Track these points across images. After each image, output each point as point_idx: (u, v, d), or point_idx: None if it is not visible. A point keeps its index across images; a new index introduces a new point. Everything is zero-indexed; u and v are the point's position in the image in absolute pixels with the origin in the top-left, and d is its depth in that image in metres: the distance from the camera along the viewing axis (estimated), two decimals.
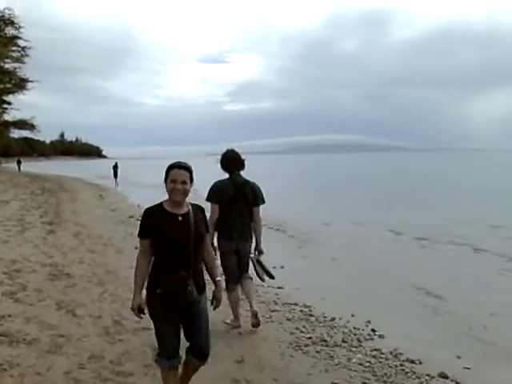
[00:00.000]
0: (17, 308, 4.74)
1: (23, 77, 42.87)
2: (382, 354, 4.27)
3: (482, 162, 75.57)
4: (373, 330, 4.96)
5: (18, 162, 49.25)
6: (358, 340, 4.62)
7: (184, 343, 2.78)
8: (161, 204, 2.68)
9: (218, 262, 4.23)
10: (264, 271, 4.67)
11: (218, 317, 4.28)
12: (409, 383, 3.71)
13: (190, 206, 2.70)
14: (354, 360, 4.05)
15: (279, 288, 6.45)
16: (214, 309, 2.84)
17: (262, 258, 4.65)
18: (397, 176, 40.95)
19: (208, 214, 3.27)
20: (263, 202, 4.62)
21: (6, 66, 41.28)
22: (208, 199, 4.43)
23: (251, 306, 4.56)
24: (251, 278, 4.69)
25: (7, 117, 46.46)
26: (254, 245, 4.65)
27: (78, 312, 4.77)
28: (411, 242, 11.05)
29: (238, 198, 4.45)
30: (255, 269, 4.66)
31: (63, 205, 15.44)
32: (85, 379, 3.35)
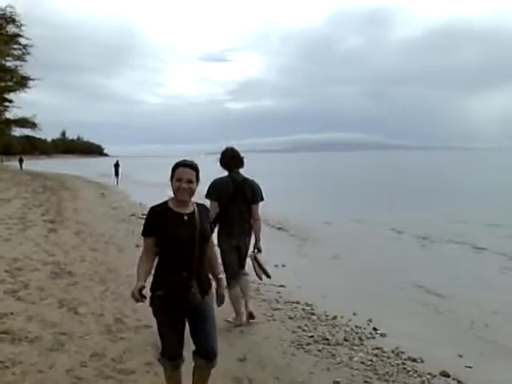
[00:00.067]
0: (19, 306, 4.74)
1: (25, 75, 42.84)
2: (384, 352, 4.28)
3: (482, 161, 75.46)
4: (374, 329, 4.96)
5: (20, 160, 49.33)
6: (360, 339, 4.62)
7: (190, 343, 2.74)
8: (166, 203, 2.64)
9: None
10: (261, 269, 4.69)
11: (219, 315, 4.27)
12: (410, 382, 3.71)
13: (195, 206, 2.67)
14: (355, 359, 4.05)
15: (281, 286, 6.46)
16: (218, 306, 2.82)
17: (260, 256, 4.66)
18: (398, 174, 40.93)
19: None
20: (262, 199, 4.64)
21: (8, 64, 41.25)
22: (207, 196, 4.44)
23: (247, 305, 4.67)
24: (248, 275, 4.74)
25: (9, 115, 46.46)
26: (252, 242, 4.67)
27: (79, 310, 4.78)
28: (412, 241, 11.05)
29: (237, 196, 4.47)
30: (254, 267, 4.68)
31: (65, 203, 15.45)
32: (87, 377, 3.35)
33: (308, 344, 4.32)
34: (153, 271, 2.64)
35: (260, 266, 4.66)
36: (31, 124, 47.13)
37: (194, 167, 2.61)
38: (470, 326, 5.34)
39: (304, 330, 4.68)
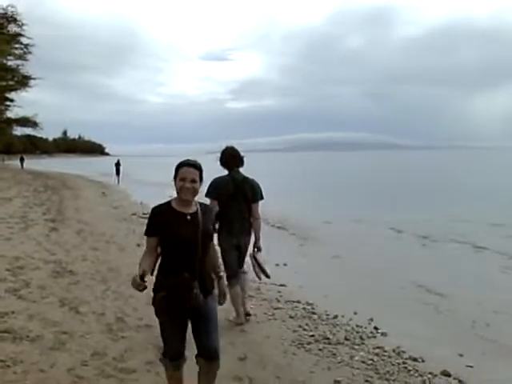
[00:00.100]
0: (20, 305, 4.75)
1: (26, 74, 42.89)
2: (385, 351, 4.27)
3: (484, 160, 75.37)
4: (375, 328, 4.96)
5: (21, 160, 49.40)
6: (361, 338, 4.62)
7: (192, 343, 2.73)
8: (169, 203, 2.63)
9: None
10: (260, 269, 4.69)
11: (220, 314, 4.27)
12: (411, 381, 3.71)
13: (198, 205, 2.66)
14: (356, 358, 4.05)
15: (282, 285, 6.46)
16: (220, 304, 2.83)
17: (259, 256, 4.66)
18: (399, 174, 40.89)
19: None
20: (262, 198, 4.65)
21: (9, 63, 41.30)
22: (207, 195, 4.44)
23: (244, 304, 4.68)
24: (246, 273, 4.76)
25: (10, 114, 46.54)
26: (252, 241, 4.67)
27: (81, 309, 4.78)
28: (412, 240, 11.04)
29: (237, 195, 4.48)
30: (253, 266, 4.68)
31: (66, 202, 15.47)
32: (88, 376, 3.36)
33: (309, 343, 4.32)
34: (155, 272, 2.63)
35: (259, 265, 4.66)
36: (32, 123, 47.19)
37: (197, 167, 2.61)
38: (470, 326, 5.33)
39: (305, 330, 4.68)
